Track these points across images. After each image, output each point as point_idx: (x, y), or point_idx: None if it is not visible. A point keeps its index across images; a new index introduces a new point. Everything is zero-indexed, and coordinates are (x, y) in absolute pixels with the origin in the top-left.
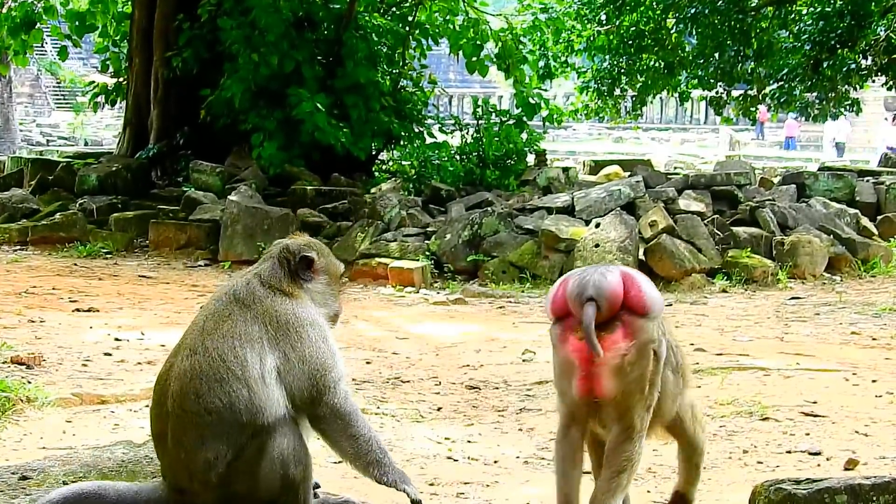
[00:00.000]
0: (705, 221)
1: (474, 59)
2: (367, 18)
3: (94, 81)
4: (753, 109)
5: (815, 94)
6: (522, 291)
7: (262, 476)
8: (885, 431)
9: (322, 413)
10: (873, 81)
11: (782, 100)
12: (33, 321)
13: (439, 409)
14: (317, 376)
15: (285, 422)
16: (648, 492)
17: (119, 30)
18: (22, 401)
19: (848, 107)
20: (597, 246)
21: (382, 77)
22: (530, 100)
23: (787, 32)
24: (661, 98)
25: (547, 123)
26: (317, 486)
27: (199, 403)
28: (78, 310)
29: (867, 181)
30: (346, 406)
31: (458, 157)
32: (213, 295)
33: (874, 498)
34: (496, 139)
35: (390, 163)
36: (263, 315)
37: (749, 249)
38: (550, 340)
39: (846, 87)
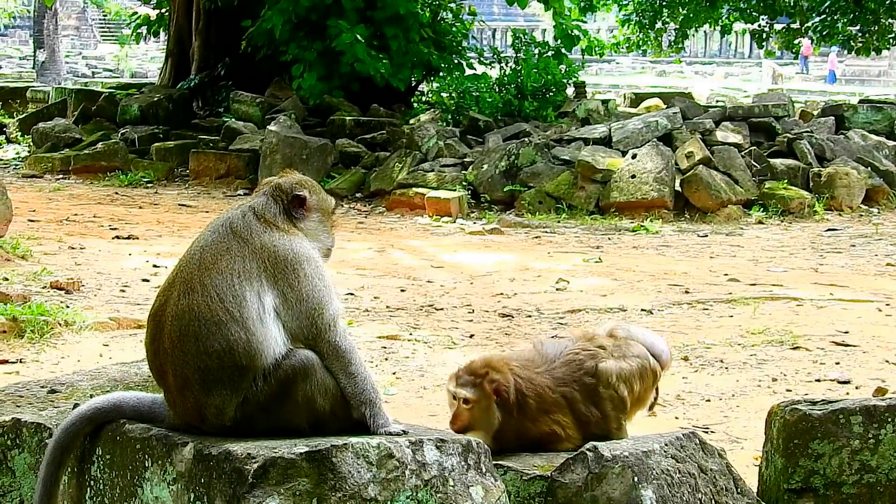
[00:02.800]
0: (742, 153)
1: None
2: None
3: (136, 13)
4: (796, 42)
5: (857, 27)
6: (558, 221)
7: (283, 415)
8: None
9: (322, 351)
10: None
11: (824, 33)
12: (73, 248)
13: (472, 336)
14: (314, 315)
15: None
16: (676, 418)
17: None
18: (60, 325)
19: (891, 40)
20: (633, 177)
21: (422, 8)
22: (570, 32)
23: None
24: (704, 32)
25: (586, 56)
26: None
27: (199, 347)
28: (118, 237)
29: None
30: (344, 344)
31: (496, 89)
32: (208, 226)
33: (889, 419)
34: (535, 71)
35: (429, 94)
36: (262, 250)
37: (786, 181)
38: (653, 378)
39: (889, 20)
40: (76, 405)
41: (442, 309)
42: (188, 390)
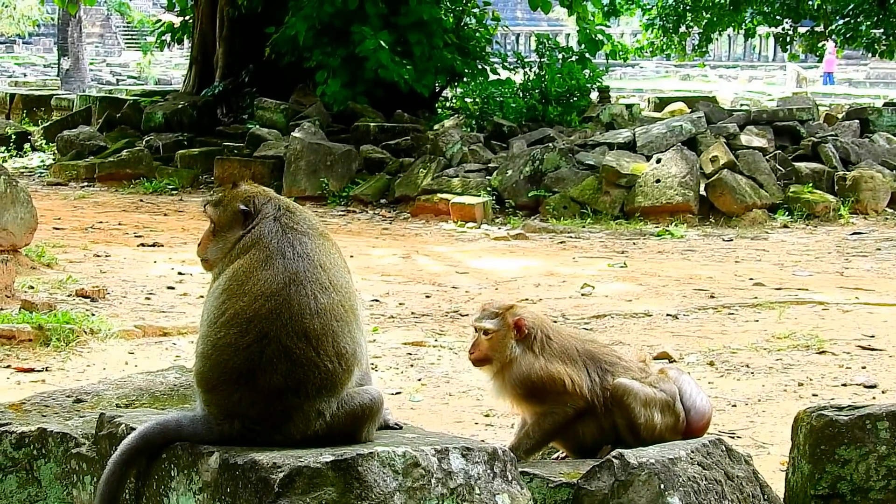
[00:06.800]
0: (767, 157)
1: None
2: None
3: (160, 20)
4: (820, 45)
5: (881, 30)
6: (583, 227)
7: (346, 423)
8: None
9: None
10: None
11: (848, 36)
12: (99, 256)
13: None
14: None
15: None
16: None
17: None
18: (86, 332)
19: None
20: (658, 181)
21: (446, 14)
22: (593, 36)
23: None
24: (728, 35)
25: (610, 60)
26: (399, 426)
27: (333, 347)
28: (143, 244)
29: None
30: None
31: (520, 94)
32: (274, 229)
33: None
34: (558, 76)
35: (453, 99)
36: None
37: (811, 185)
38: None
39: None
40: (115, 422)
41: (467, 315)
42: (287, 394)
